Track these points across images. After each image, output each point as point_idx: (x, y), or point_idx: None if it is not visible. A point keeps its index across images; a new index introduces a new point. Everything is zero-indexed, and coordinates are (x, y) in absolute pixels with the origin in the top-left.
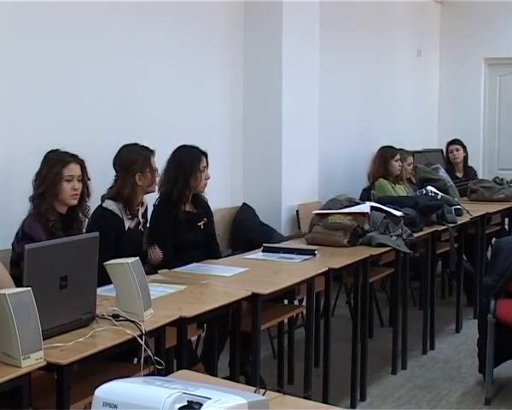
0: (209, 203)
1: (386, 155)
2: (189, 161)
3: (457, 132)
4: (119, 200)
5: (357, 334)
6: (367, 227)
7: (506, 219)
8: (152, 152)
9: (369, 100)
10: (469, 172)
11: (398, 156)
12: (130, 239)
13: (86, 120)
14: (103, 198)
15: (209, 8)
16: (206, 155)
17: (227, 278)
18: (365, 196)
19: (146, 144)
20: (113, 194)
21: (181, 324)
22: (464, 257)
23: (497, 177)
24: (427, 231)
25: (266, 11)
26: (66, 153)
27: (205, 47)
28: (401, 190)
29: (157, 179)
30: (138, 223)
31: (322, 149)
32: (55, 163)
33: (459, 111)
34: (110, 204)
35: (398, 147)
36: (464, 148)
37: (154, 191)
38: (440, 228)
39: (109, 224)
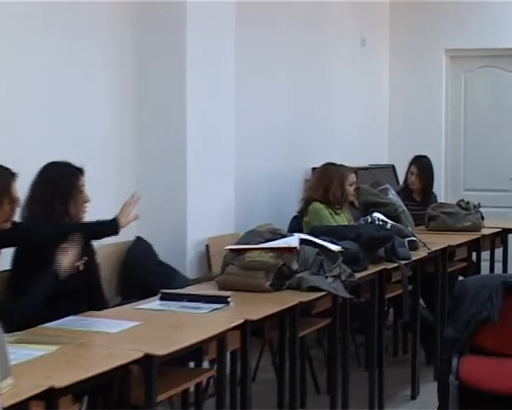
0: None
1: (341, 173)
2: (64, 180)
3: (413, 143)
4: None
5: (285, 404)
6: (295, 266)
7: (473, 254)
8: (13, 176)
9: (300, 106)
10: (428, 196)
11: (354, 179)
12: None
13: None
14: None
15: (92, 5)
16: (82, 171)
17: (113, 336)
18: (296, 225)
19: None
20: None
21: (51, 396)
22: (421, 303)
23: (461, 200)
24: (373, 269)
25: (165, 11)
26: None
27: (85, 52)
28: (341, 218)
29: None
30: None
31: (239, 169)
32: None
33: (415, 116)
34: None
35: (337, 163)
36: (427, 173)
37: (6, 228)
38: (390, 266)
39: None
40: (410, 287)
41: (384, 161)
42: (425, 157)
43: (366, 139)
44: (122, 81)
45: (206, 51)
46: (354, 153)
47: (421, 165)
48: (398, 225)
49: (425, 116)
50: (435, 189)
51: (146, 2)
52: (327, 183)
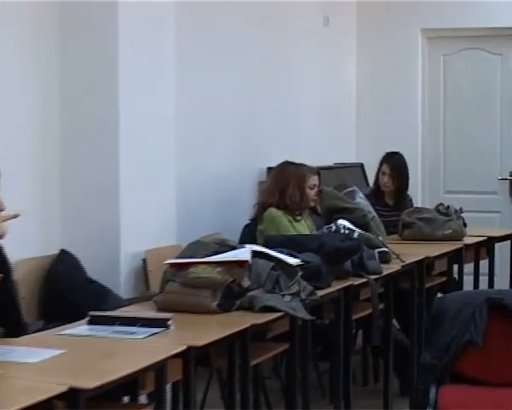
0: (5, 251)
1: (300, 173)
2: None
3: (384, 139)
4: None
5: None
6: (247, 283)
7: (455, 267)
8: None
9: (253, 97)
10: (403, 200)
11: (316, 181)
12: None
13: None
14: None
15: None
16: None
17: (33, 366)
18: (248, 235)
19: None
20: None
21: None
22: (395, 324)
23: (441, 204)
24: (338, 286)
25: (94, 11)
26: None
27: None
28: (301, 226)
29: None
30: None
31: (181, 171)
32: None
33: (386, 107)
34: None
35: (296, 162)
36: (401, 172)
37: None
38: (358, 281)
39: None
40: (381, 306)
41: (351, 160)
42: (398, 154)
43: (330, 134)
44: (45, 83)
45: (140, 47)
46: (317, 150)
47: (394, 163)
48: (368, 233)
49: (398, 107)
50: (411, 191)
51: (70, 3)
52: (283, 185)
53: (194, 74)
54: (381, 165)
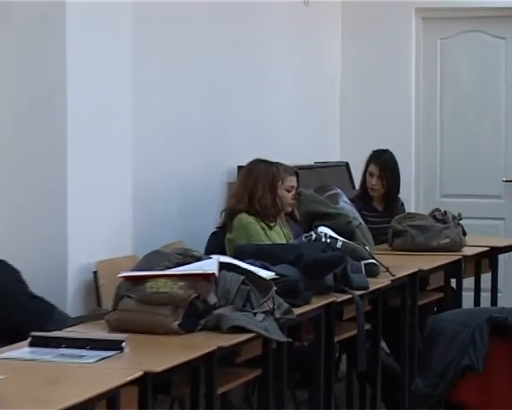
0: None
1: (271, 173)
2: None
3: (373, 135)
4: None
5: None
6: (213, 300)
7: (453, 281)
8: None
9: (220, 91)
10: (393, 204)
11: (293, 182)
12: None
13: None
14: None
15: None
16: None
17: None
18: (216, 244)
19: None
20: None
21: None
22: (383, 346)
23: (437, 209)
24: (318, 303)
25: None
26: None
27: None
28: (276, 235)
29: None
30: None
31: (139, 172)
32: None
33: (375, 99)
34: None
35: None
36: (391, 173)
37: None
38: (341, 298)
39: None
40: (367, 326)
41: (335, 158)
42: (387, 152)
43: (311, 129)
44: None
45: (91, 43)
46: (295, 147)
47: (383, 163)
48: (352, 243)
49: (389, 99)
50: (402, 194)
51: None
52: (251, 186)
53: (154, 67)
54: (367, 165)
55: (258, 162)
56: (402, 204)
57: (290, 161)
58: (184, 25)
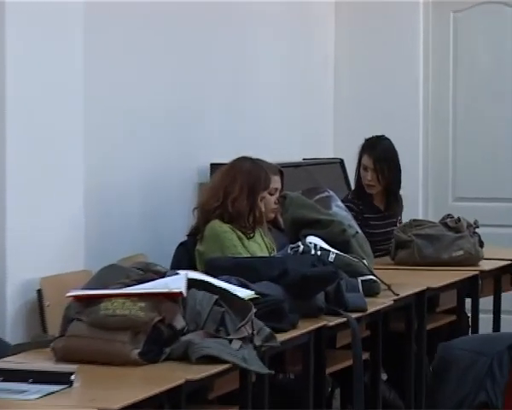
0: None
1: (255, 175)
2: None
3: (373, 127)
4: None
5: None
6: (181, 324)
7: (467, 301)
8: None
9: (191, 77)
10: (395, 201)
11: (277, 183)
12: None
13: None
14: None
15: None
16: None
17: None
18: (184, 257)
19: None
20: None
21: None
22: (384, 378)
23: (449, 215)
24: (306, 327)
25: None
26: None
27: None
28: (256, 246)
29: None
30: None
31: (93, 174)
32: None
33: (376, 86)
34: None
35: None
36: (389, 163)
37: None
38: (334, 322)
39: None
40: (365, 355)
41: (327, 154)
42: (382, 139)
43: (299, 121)
44: None
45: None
46: (280, 141)
47: (378, 153)
48: (348, 255)
49: (392, 86)
50: (408, 198)
51: None
52: (228, 183)
53: (108, 52)
54: (360, 157)
55: (244, 159)
56: (401, 201)
57: (273, 157)
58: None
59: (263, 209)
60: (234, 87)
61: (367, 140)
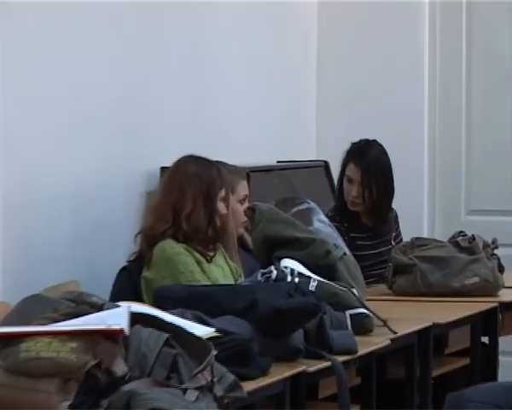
0: None
1: (206, 177)
2: None
3: (367, 127)
4: None
5: None
6: (122, 369)
7: (484, 340)
8: None
9: (136, 64)
10: (384, 217)
11: (246, 189)
12: None
13: None
14: None
15: None
16: None
17: None
18: (127, 285)
19: None
20: None
21: None
22: None
23: (461, 232)
24: (280, 374)
25: None
26: None
27: None
28: (218, 270)
29: None
30: None
31: (10, 184)
32: None
33: (368, 74)
34: None
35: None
36: (378, 176)
37: None
38: (316, 366)
39: None
40: (356, 408)
41: (309, 156)
42: (375, 145)
43: (273, 117)
44: None
45: None
46: (246, 141)
47: (369, 163)
48: (333, 283)
49: (391, 79)
50: (411, 212)
51: None
52: (177, 197)
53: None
54: (345, 165)
55: (187, 161)
56: (396, 216)
57: (238, 159)
58: None
59: (224, 211)
60: (191, 78)
61: (354, 144)
